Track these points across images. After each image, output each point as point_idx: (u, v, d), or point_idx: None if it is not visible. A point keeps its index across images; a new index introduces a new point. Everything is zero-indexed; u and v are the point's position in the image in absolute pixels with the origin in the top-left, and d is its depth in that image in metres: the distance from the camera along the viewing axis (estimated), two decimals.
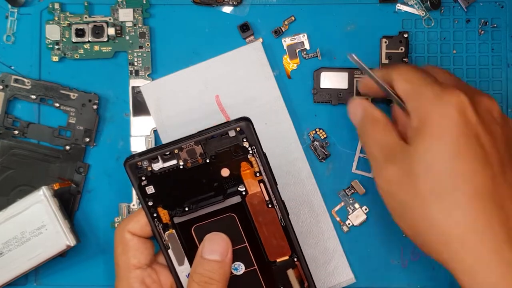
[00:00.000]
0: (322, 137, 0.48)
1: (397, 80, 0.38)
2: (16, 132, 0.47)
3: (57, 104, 0.48)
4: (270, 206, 0.39)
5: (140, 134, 0.48)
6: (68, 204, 0.47)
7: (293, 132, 0.48)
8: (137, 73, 0.48)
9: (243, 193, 0.39)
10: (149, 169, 0.38)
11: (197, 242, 0.39)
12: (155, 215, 0.38)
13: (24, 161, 0.47)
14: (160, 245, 0.39)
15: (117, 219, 0.48)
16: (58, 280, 0.48)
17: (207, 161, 0.38)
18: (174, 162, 0.38)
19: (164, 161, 0.38)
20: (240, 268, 0.39)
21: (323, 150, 0.48)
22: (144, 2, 0.48)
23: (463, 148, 0.34)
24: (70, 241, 0.44)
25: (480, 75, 0.49)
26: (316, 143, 0.48)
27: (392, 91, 0.39)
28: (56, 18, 0.48)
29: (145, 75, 0.48)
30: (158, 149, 0.38)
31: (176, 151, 0.38)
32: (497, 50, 0.49)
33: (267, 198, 0.39)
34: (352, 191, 0.48)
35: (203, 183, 0.38)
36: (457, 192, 0.34)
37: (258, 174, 0.39)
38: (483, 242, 0.33)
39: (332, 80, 0.48)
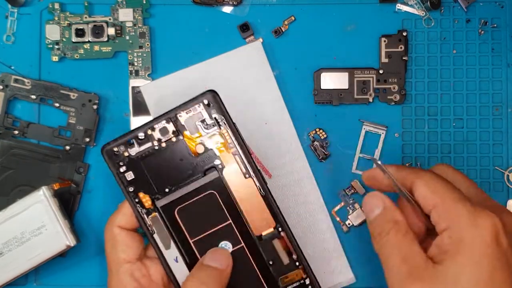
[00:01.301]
0: (322, 137, 0.48)
1: (418, 185, 0.36)
2: (16, 132, 0.47)
3: (57, 104, 0.48)
4: (247, 176, 0.39)
5: None
6: (68, 204, 0.47)
7: (293, 132, 0.48)
8: (137, 73, 0.48)
9: (220, 167, 0.39)
10: (126, 154, 0.39)
11: (181, 225, 0.39)
12: (137, 200, 0.39)
13: (24, 161, 0.47)
14: (146, 231, 0.39)
15: None
16: (58, 280, 0.48)
17: (181, 138, 0.39)
18: (149, 144, 0.39)
19: (140, 145, 0.39)
20: (227, 247, 0.39)
21: (323, 150, 0.48)
22: (144, 2, 0.48)
23: (496, 273, 0.33)
24: (70, 241, 0.44)
25: (480, 75, 0.49)
26: (316, 143, 0.48)
27: (412, 198, 0.36)
28: (56, 18, 0.48)
29: (145, 75, 0.48)
30: (132, 132, 0.39)
31: (149, 132, 0.39)
32: (497, 50, 0.49)
33: (243, 170, 0.39)
34: (352, 191, 0.48)
35: (180, 162, 0.39)
36: None
37: (231, 146, 0.39)
38: None
39: (333, 80, 0.48)
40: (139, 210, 0.39)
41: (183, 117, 0.39)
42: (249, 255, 0.39)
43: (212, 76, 0.48)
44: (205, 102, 0.39)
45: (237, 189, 0.39)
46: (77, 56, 0.48)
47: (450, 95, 0.49)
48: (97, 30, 0.48)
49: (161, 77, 0.48)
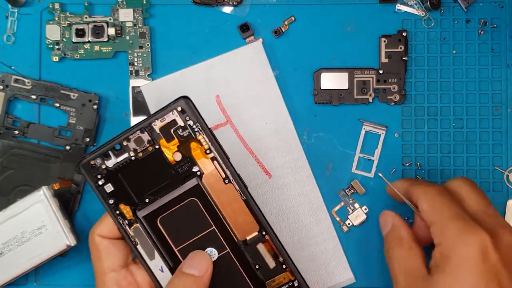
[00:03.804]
0: None
1: (422, 201, 0.39)
2: (16, 132, 0.48)
3: (57, 104, 0.48)
4: (227, 182, 0.39)
5: None
6: (68, 204, 0.47)
7: (293, 132, 0.48)
8: (137, 73, 0.48)
9: (198, 173, 0.39)
10: (104, 166, 0.38)
11: (165, 234, 0.39)
12: (117, 212, 0.39)
13: (24, 161, 0.47)
14: (129, 243, 0.39)
15: None
16: (58, 280, 0.48)
17: (157, 147, 0.39)
18: (126, 155, 0.38)
19: (117, 156, 0.38)
20: (213, 254, 0.39)
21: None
22: (144, 2, 0.48)
23: None
24: (70, 241, 0.44)
25: (480, 75, 0.49)
26: None
27: (415, 209, 0.41)
28: (56, 18, 0.48)
29: (145, 75, 0.48)
30: (107, 144, 0.39)
31: (124, 142, 0.38)
32: (497, 50, 0.49)
33: (223, 175, 0.39)
34: (352, 191, 0.48)
35: (158, 171, 0.39)
36: None
37: (208, 152, 0.39)
38: None
39: (333, 81, 0.48)
40: (121, 222, 0.39)
41: (157, 125, 0.39)
42: (235, 260, 0.39)
43: (212, 76, 0.48)
44: (179, 109, 0.38)
45: (218, 195, 0.39)
46: (77, 56, 0.48)
47: (449, 95, 0.49)
48: (97, 30, 0.48)
49: (161, 77, 0.48)
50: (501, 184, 0.48)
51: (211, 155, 0.39)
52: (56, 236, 0.44)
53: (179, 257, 0.39)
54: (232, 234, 0.39)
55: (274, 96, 0.48)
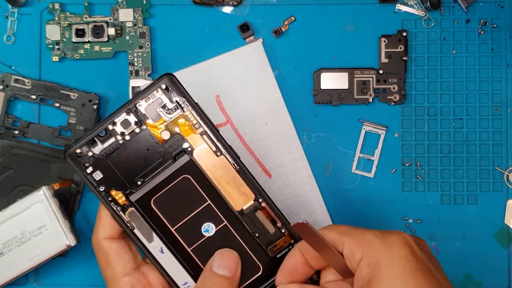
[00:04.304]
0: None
1: (330, 234, 0.36)
2: (16, 132, 0.48)
3: (57, 104, 0.48)
4: (219, 154, 0.39)
5: None
6: (68, 204, 0.47)
7: (293, 132, 0.48)
8: (137, 73, 0.48)
9: (189, 149, 0.38)
10: (90, 154, 0.38)
11: (160, 215, 0.39)
12: (110, 199, 0.38)
13: (24, 161, 0.47)
14: (125, 228, 0.39)
15: None
16: (58, 280, 0.48)
17: (144, 128, 0.38)
18: (112, 140, 0.38)
19: (103, 142, 0.38)
20: (210, 229, 0.39)
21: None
22: (144, 2, 0.48)
23: (421, 282, 0.33)
24: (70, 241, 0.44)
25: (480, 75, 0.49)
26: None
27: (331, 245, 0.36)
28: (56, 18, 0.48)
29: (145, 75, 0.48)
30: (93, 131, 0.38)
31: (110, 127, 0.38)
32: (497, 50, 0.49)
33: (214, 148, 0.39)
34: None
35: (147, 152, 0.38)
36: None
37: (197, 126, 0.38)
38: None
39: (332, 81, 0.48)
40: (114, 209, 0.38)
41: (142, 106, 0.38)
42: (233, 231, 0.39)
43: (212, 76, 0.48)
44: (163, 86, 0.38)
45: (211, 168, 0.39)
46: (77, 56, 0.48)
47: (449, 95, 0.49)
48: (97, 30, 0.48)
49: None
50: (501, 184, 0.48)
51: (200, 129, 0.38)
52: (56, 236, 0.44)
53: (177, 236, 0.39)
54: (228, 206, 0.39)
55: (274, 96, 0.48)
